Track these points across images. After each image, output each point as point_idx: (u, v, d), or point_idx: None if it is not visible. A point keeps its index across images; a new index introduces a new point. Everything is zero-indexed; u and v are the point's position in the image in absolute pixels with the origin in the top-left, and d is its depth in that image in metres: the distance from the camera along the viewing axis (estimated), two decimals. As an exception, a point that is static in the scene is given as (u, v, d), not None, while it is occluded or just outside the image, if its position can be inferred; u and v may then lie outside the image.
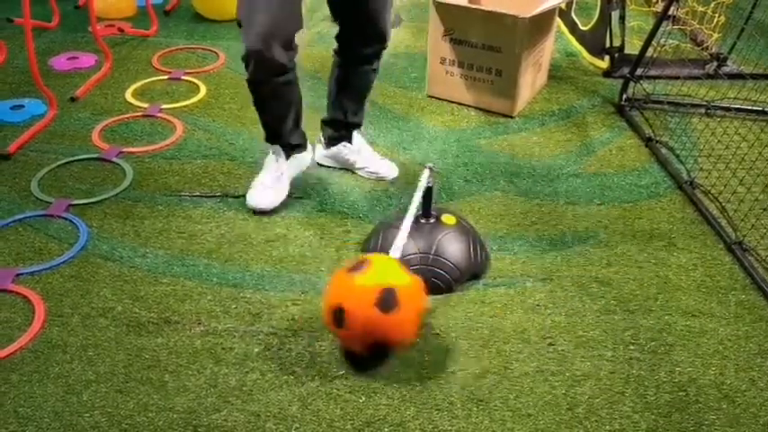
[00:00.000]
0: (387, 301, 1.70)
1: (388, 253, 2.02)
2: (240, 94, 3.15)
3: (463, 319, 1.97)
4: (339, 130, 2.54)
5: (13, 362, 1.82)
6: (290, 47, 2.11)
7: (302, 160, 2.52)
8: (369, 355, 1.83)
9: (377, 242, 2.13)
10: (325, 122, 2.57)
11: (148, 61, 3.45)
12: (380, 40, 2.31)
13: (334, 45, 2.41)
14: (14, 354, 1.84)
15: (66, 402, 1.71)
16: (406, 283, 1.77)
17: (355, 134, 2.56)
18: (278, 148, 2.41)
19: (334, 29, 2.38)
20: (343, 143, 2.55)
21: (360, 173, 2.59)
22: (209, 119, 2.96)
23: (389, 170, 2.59)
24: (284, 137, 2.39)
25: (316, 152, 2.63)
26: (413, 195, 2.04)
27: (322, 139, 2.60)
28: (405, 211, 2.23)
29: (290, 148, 2.44)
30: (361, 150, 2.58)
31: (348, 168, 2.60)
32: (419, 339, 1.90)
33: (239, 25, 2.08)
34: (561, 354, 1.87)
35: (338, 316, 1.73)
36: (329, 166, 2.63)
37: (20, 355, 1.84)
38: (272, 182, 2.41)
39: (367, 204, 2.44)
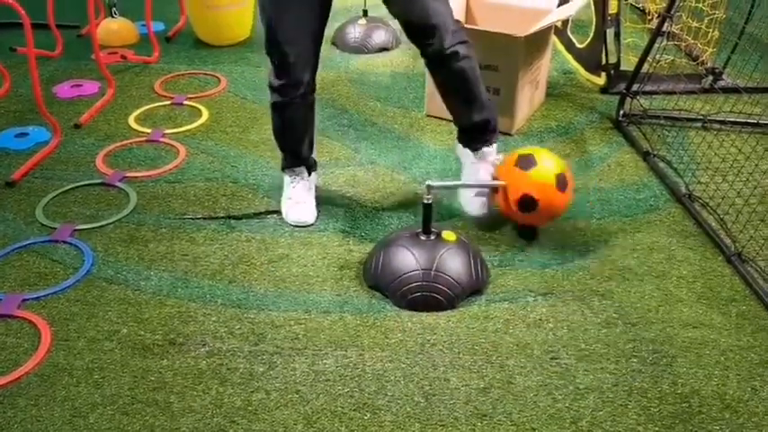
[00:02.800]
0: (562, 182, 2.25)
1: (389, 268, 2.05)
2: (242, 118, 3.18)
3: (466, 335, 1.98)
4: (474, 132, 2.46)
5: (20, 386, 1.84)
6: (315, 68, 2.29)
7: (315, 179, 2.60)
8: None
9: (378, 261, 2.15)
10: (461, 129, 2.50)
11: (151, 87, 3.50)
12: (428, 35, 2.20)
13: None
14: (21, 378, 1.86)
15: (73, 425, 1.73)
16: (565, 167, 2.29)
17: (486, 147, 2.46)
18: (302, 169, 2.50)
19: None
20: (465, 148, 2.49)
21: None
22: (212, 142, 3.00)
23: (474, 207, 2.45)
24: (306, 158, 2.51)
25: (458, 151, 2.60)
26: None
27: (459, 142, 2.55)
28: (405, 229, 2.26)
29: (309, 167, 2.54)
30: (474, 167, 2.47)
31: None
32: (421, 356, 1.91)
33: (268, 55, 2.23)
34: (564, 367, 1.88)
35: (528, 203, 2.23)
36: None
37: (26, 379, 1.86)
38: (306, 195, 2.50)
39: (368, 223, 2.46)
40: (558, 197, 2.25)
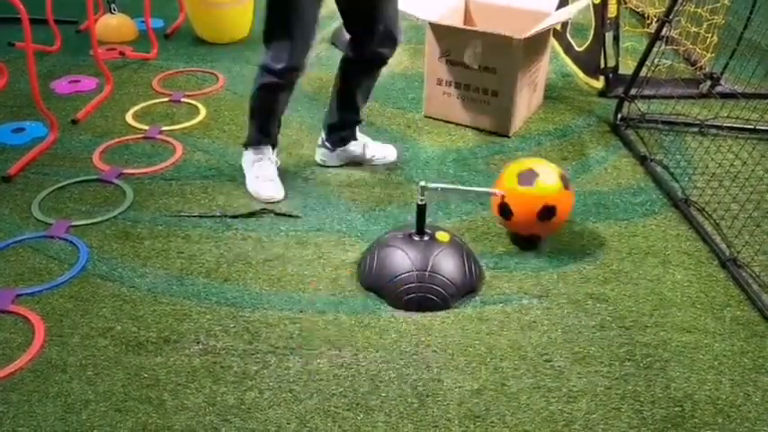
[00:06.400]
0: (566, 181, 2.26)
1: (384, 270, 2.04)
2: (240, 116, 3.18)
3: (460, 336, 1.98)
4: (346, 129, 2.73)
5: (13, 382, 1.83)
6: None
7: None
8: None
9: (372, 263, 2.15)
10: (333, 126, 2.73)
11: (149, 84, 3.49)
12: (392, 42, 2.53)
13: (343, 54, 2.58)
14: (14, 374, 1.85)
15: (66, 422, 1.72)
16: (563, 201, 2.24)
17: (357, 130, 2.78)
18: (268, 147, 2.63)
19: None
20: (351, 141, 2.75)
21: (372, 162, 2.79)
22: (209, 140, 3.00)
23: (393, 153, 2.84)
24: (276, 136, 2.65)
25: (320, 155, 2.79)
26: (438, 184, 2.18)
27: (327, 143, 2.76)
28: (399, 230, 2.25)
29: (274, 147, 2.67)
30: (365, 143, 2.78)
31: (357, 162, 2.78)
32: (415, 356, 1.91)
33: (267, 41, 2.34)
34: (558, 370, 1.88)
35: (547, 212, 2.22)
36: (334, 167, 2.78)
37: (19, 375, 1.85)
38: (274, 172, 2.63)
39: (363, 223, 2.46)
40: (568, 197, 2.29)
